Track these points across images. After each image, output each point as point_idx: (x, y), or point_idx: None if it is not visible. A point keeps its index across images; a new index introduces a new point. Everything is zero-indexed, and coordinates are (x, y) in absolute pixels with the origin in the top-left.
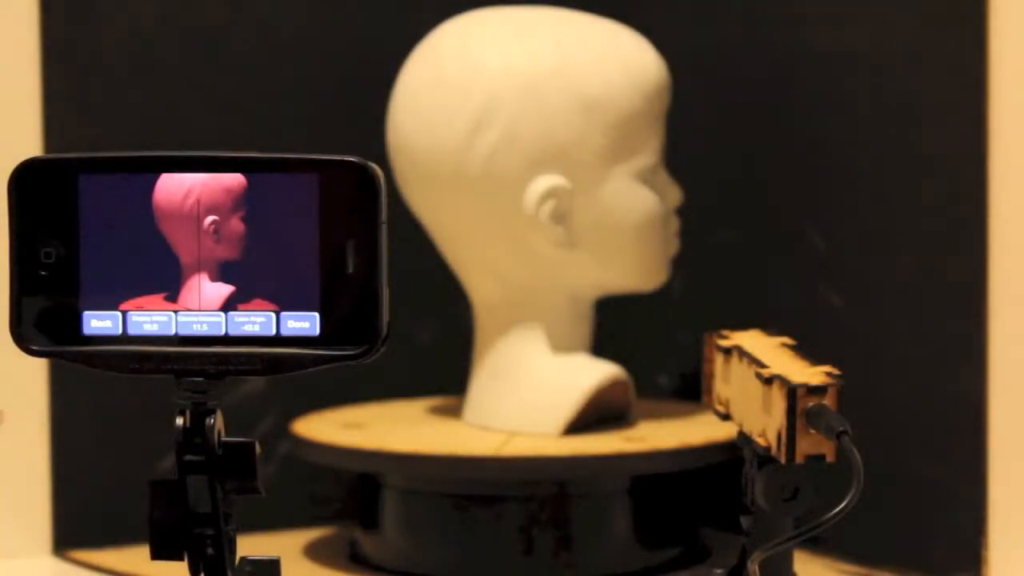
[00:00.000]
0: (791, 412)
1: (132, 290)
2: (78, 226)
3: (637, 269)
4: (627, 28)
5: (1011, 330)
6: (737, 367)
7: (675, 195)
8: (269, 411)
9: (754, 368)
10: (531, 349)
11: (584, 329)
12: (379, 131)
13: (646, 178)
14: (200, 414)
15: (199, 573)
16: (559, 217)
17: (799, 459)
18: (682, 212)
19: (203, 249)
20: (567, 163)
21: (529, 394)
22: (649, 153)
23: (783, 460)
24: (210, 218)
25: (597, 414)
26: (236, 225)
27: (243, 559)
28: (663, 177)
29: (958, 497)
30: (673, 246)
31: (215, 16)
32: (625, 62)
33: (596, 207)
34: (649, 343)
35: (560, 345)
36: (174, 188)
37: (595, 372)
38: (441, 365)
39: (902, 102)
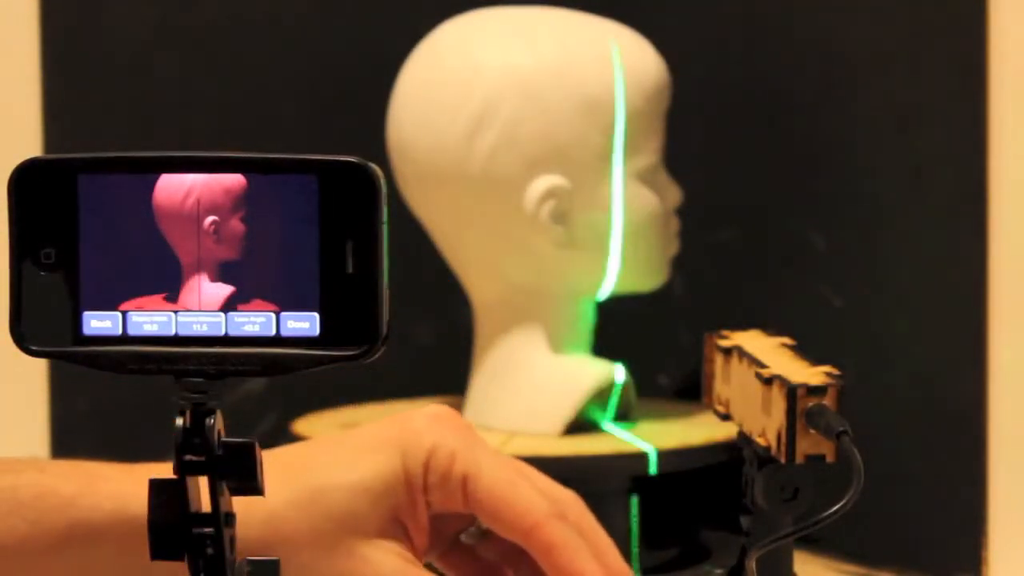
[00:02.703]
0: (791, 412)
1: (132, 290)
2: (78, 226)
3: (637, 269)
4: (627, 28)
5: (1011, 331)
6: (737, 367)
7: (675, 195)
8: (269, 411)
9: (754, 368)
10: (531, 349)
11: (584, 329)
12: (379, 131)
13: (646, 178)
14: (200, 414)
15: (199, 573)
16: (559, 217)
17: (799, 459)
18: (682, 212)
19: (203, 249)
20: (567, 163)
21: (529, 394)
22: (649, 153)
23: (783, 460)
24: (210, 218)
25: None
26: (236, 225)
27: (243, 559)
28: (663, 177)
29: (958, 497)
30: (673, 246)
31: (215, 16)
32: (625, 62)
33: (596, 207)
34: (649, 343)
35: (560, 345)
36: (174, 188)
37: (595, 372)
38: (441, 365)
39: (902, 102)
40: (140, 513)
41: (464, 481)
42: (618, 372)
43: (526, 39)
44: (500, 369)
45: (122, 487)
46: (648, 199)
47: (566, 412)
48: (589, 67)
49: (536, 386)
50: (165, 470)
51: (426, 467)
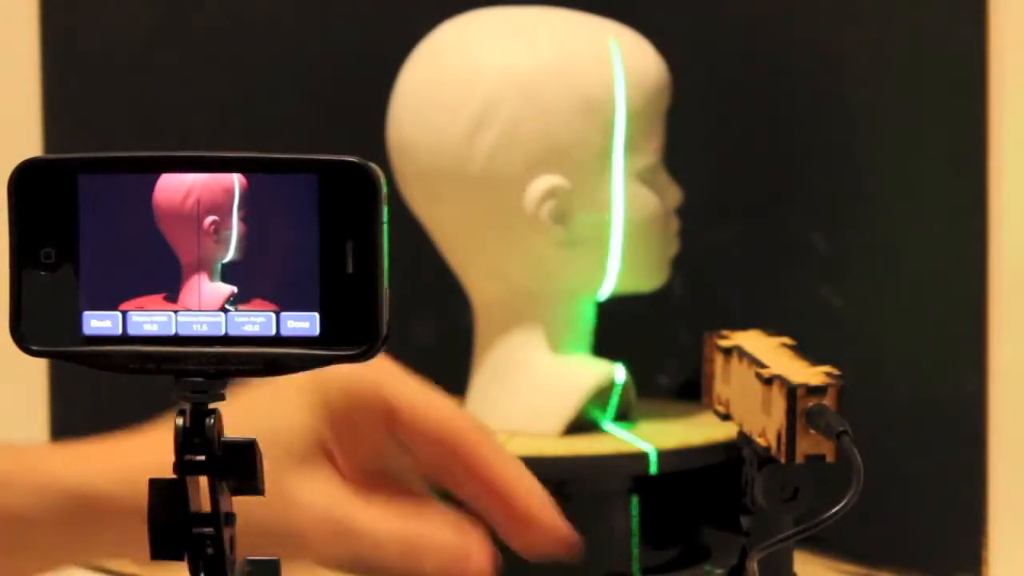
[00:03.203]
0: (791, 412)
1: (132, 290)
2: (78, 226)
3: (637, 269)
4: (627, 28)
5: (1011, 330)
6: (737, 367)
7: (675, 195)
8: None
9: (754, 368)
10: (531, 349)
11: (584, 329)
12: (379, 131)
13: (646, 178)
14: (200, 414)
15: (199, 573)
16: (559, 217)
17: (799, 459)
18: (682, 212)
19: (203, 249)
20: (567, 163)
21: (529, 394)
22: (649, 153)
23: (783, 460)
24: (210, 218)
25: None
26: (236, 225)
27: (243, 559)
28: (663, 177)
29: (958, 497)
30: (673, 246)
31: (215, 16)
32: (625, 62)
33: (596, 207)
34: (649, 343)
35: (560, 345)
36: (174, 188)
37: (595, 372)
38: (441, 365)
39: (902, 102)
40: (70, 486)
41: (387, 404)
42: (618, 372)
43: (526, 39)
44: (500, 369)
45: (50, 464)
46: (648, 199)
47: (566, 412)
48: (589, 67)
49: (536, 386)
50: (105, 446)
51: (348, 395)
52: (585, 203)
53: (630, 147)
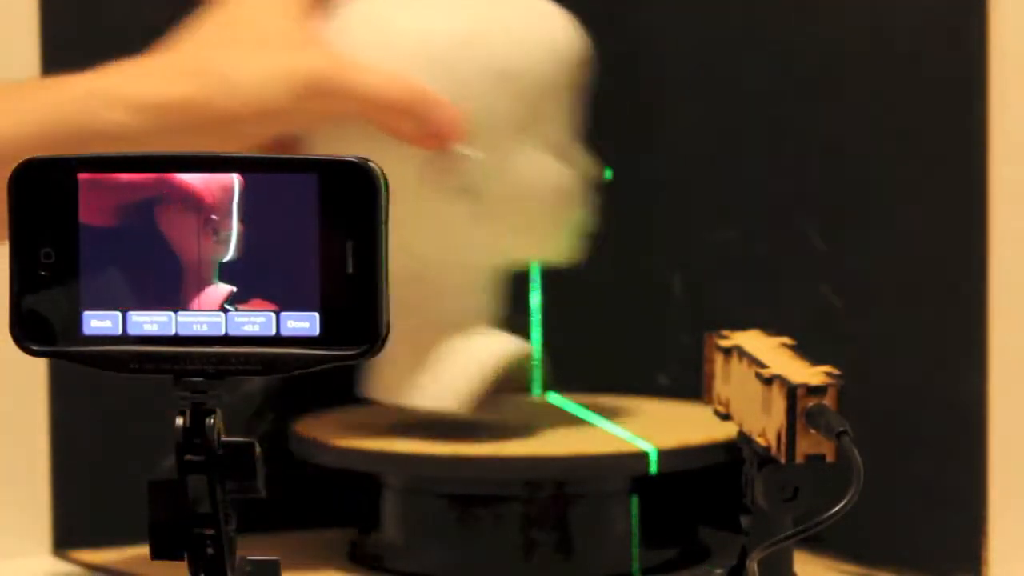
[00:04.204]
0: (791, 412)
1: (132, 290)
2: (78, 226)
3: (547, 241)
4: (549, 3)
5: (1011, 330)
6: (737, 367)
7: (590, 170)
8: (269, 411)
9: (754, 368)
10: (440, 323)
11: (494, 302)
12: None
13: (558, 151)
14: (200, 414)
15: (199, 573)
16: (469, 188)
17: (799, 459)
18: (682, 212)
19: (203, 249)
20: (479, 133)
21: (438, 369)
22: (562, 126)
23: (783, 460)
24: (210, 218)
25: (504, 388)
26: (235, 225)
27: (243, 559)
28: (577, 151)
29: (958, 497)
30: (589, 223)
31: None
32: (538, 34)
33: (507, 178)
34: (649, 343)
35: (468, 319)
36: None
37: (500, 346)
38: None
39: (902, 101)
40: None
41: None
42: (528, 345)
43: (438, 10)
44: (408, 343)
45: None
46: (559, 171)
47: (471, 386)
48: (500, 37)
49: (442, 361)
50: None
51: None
52: (496, 174)
53: (541, 118)
